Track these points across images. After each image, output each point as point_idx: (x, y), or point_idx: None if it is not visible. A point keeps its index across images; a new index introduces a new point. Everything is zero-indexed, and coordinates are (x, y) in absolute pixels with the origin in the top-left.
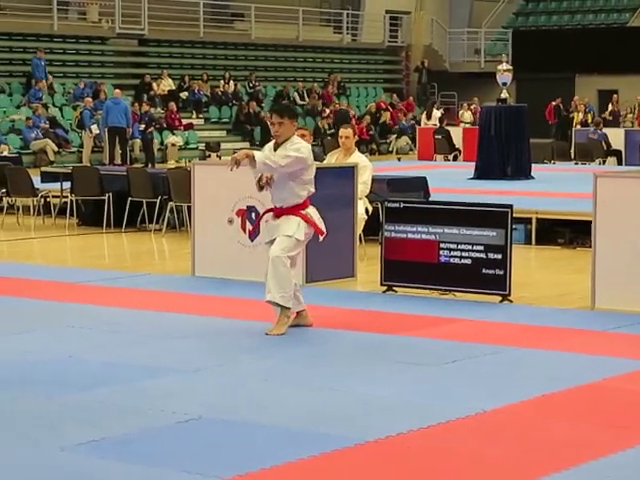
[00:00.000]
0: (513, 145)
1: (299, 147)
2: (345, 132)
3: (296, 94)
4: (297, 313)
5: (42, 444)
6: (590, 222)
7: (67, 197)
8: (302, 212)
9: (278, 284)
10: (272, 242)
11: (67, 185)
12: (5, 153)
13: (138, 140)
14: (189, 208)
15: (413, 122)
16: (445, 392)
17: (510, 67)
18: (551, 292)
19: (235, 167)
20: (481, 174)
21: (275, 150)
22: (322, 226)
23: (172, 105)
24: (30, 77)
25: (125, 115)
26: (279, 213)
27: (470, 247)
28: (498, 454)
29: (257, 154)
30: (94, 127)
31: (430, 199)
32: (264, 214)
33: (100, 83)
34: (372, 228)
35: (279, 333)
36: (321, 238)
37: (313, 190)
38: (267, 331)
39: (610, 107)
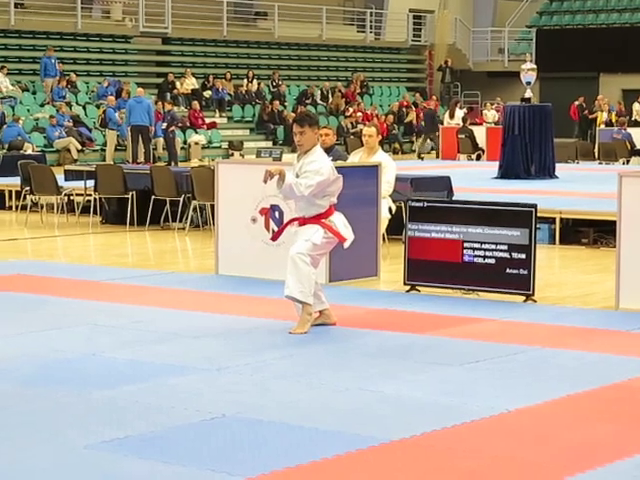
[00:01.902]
0: (537, 144)
1: (319, 168)
2: (369, 131)
3: (318, 93)
4: (320, 312)
5: (66, 442)
6: (614, 222)
7: (91, 195)
8: (324, 221)
9: (297, 280)
10: None
11: (91, 183)
12: (29, 151)
13: (161, 139)
14: (212, 207)
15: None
16: (469, 392)
17: (534, 66)
18: (575, 292)
19: (269, 180)
20: (505, 173)
21: (298, 160)
22: (348, 232)
23: (195, 104)
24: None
25: (148, 114)
26: (302, 222)
27: (494, 247)
28: (522, 454)
29: (288, 176)
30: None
31: (454, 198)
32: (290, 222)
33: (124, 82)
34: (395, 227)
35: (302, 332)
36: (346, 245)
37: (335, 200)
38: (290, 330)
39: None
